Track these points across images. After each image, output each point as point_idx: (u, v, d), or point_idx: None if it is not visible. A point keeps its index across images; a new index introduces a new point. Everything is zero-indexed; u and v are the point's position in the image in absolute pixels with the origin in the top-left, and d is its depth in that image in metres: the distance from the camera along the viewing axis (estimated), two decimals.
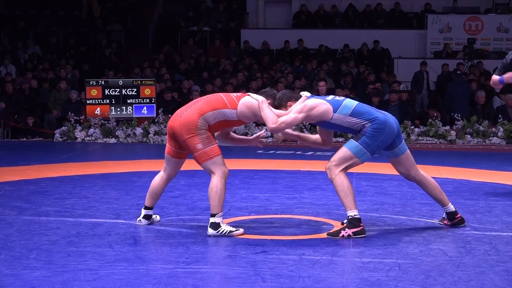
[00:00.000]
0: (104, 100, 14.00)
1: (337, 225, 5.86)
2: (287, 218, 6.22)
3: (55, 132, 13.84)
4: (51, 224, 5.83)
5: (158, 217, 5.90)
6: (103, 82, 14.15)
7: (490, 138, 13.18)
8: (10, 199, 7.01)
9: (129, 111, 14.02)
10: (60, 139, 13.64)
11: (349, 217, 5.46)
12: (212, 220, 5.42)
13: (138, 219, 5.80)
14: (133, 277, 4.33)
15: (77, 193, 7.39)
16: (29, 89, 15.58)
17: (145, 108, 14.03)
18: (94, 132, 13.58)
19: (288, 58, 18.60)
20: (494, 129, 13.34)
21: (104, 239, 5.29)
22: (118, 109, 14.02)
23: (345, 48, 18.86)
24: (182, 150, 5.59)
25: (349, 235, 5.40)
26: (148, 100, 14.06)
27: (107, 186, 7.87)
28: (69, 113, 14.20)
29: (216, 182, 5.42)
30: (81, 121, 13.93)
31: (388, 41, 18.85)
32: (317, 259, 4.78)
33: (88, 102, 13.98)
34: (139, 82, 14.20)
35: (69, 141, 13.54)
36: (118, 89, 14.04)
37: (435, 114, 13.97)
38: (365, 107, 5.65)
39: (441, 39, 19.18)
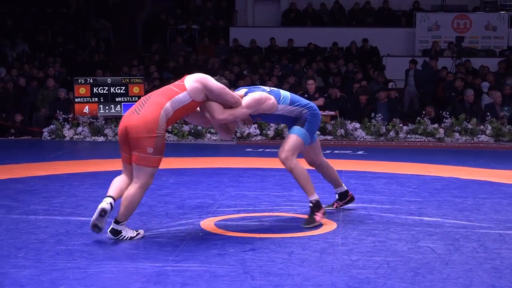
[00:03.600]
0: (93, 98, 13.96)
1: (325, 222, 5.87)
2: (276, 216, 6.22)
3: (44, 130, 13.79)
4: (40, 223, 5.81)
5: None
6: (91, 81, 14.11)
7: (479, 136, 13.22)
8: None
9: (118, 109, 13.98)
10: (49, 138, 13.59)
11: (314, 201, 5.79)
12: (114, 227, 5.21)
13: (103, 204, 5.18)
14: (122, 275, 4.33)
15: (66, 192, 7.37)
16: (17, 87, 15.51)
17: None
18: (82, 130, 13.53)
19: (277, 56, 18.60)
20: (482, 127, 13.38)
21: (93, 238, 5.27)
22: (107, 107, 13.99)
23: (334, 46, 18.87)
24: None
25: (320, 217, 5.75)
26: (136, 98, 13.95)
27: (96, 185, 7.84)
28: (58, 111, 14.16)
29: (135, 191, 5.18)
30: (70, 119, 13.88)
31: (376, 39, 18.86)
32: (306, 257, 4.79)
33: (76, 100, 13.95)
34: (127, 80, 14.17)
35: (57, 139, 13.49)
36: (107, 87, 14.01)
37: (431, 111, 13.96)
38: (296, 96, 6.00)
39: (430, 37, 19.22)
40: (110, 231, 5.23)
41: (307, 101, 5.97)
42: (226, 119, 5.55)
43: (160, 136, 5.15)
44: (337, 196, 6.45)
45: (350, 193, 6.46)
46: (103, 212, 5.11)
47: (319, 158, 6.23)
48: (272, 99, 5.72)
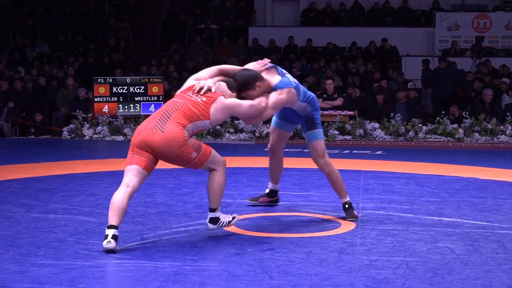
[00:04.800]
0: (112, 98, 14.01)
1: (343, 222, 5.86)
2: (295, 216, 6.22)
3: (63, 129, 13.86)
4: (59, 222, 5.84)
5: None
6: (110, 80, 14.15)
7: (498, 136, 13.13)
8: (18, 196, 7.02)
9: (137, 109, 14.04)
10: (68, 137, 13.65)
11: (349, 202, 6.02)
12: (212, 215, 5.23)
13: (107, 240, 4.84)
14: (141, 274, 4.34)
15: (85, 191, 7.41)
16: (37, 87, 15.62)
17: (152, 105, 14.02)
18: (101, 130, 13.59)
19: (295, 56, 18.57)
20: (502, 127, 13.29)
21: None
22: (126, 106, 14.03)
23: (353, 46, 18.83)
24: (155, 164, 5.20)
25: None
26: (155, 98, 14.06)
27: (115, 184, 7.82)
28: (77, 110, 14.22)
29: (219, 176, 5.20)
30: (89, 118, 13.95)
31: (396, 39, 18.80)
32: (324, 257, 4.78)
33: (96, 99, 14.00)
34: (146, 80, 14.21)
35: (76, 138, 13.55)
36: (126, 87, 14.05)
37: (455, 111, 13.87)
38: (304, 88, 5.96)
39: (449, 37, 19.12)
40: (210, 222, 5.23)
41: (307, 91, 5.95)
42: (255, 123, 5.77)
43: (189, 141, 5.07)
44: (267, 191, 6.55)
45: (277, 195, 6.58)
46: (111, 252, 4.84)
47: (280, 147, 6.37)
48: (295, 97, 5.69)
